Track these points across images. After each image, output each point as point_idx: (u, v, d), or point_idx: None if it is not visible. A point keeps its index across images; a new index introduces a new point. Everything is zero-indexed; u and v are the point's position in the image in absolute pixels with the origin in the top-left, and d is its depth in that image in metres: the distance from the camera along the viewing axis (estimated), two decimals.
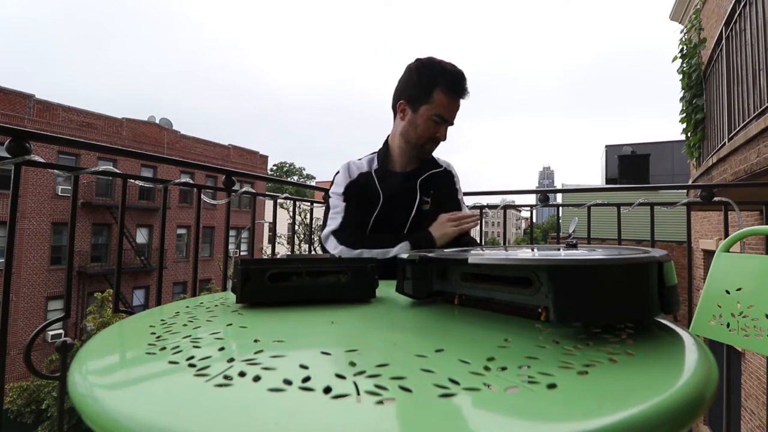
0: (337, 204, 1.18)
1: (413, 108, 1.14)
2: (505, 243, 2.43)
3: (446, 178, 1.28)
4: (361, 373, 0.30)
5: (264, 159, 22.13)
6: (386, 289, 0.73)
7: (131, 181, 1.30)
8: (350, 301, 0.62)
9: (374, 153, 1.26)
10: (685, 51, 4.54)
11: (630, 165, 12.74)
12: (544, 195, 1.93)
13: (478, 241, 1.24)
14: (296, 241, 11.88)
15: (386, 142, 1.25)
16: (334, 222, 1.15)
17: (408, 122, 1.15)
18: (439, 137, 1.14)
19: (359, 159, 1.28)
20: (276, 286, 0.59)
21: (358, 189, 1.17)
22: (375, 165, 1.23)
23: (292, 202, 2.10)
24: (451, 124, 1.15)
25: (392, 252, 1.06)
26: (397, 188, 1.18)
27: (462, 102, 1.14)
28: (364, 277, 0.63)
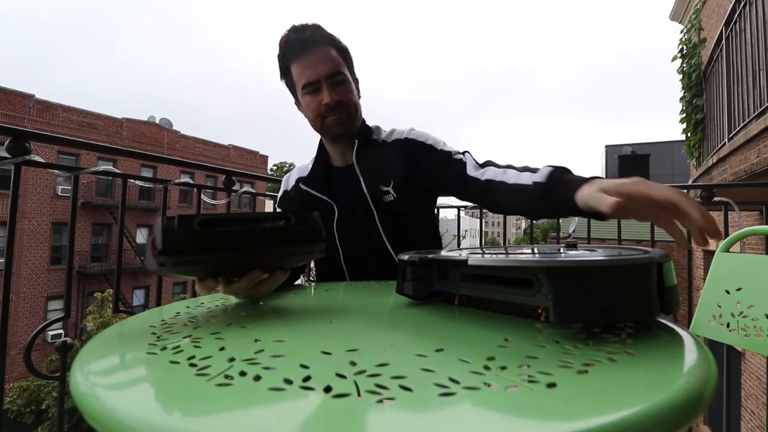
0: None
1: (295, 98, 0.99)
2: (505, 243, 2.43)
3: (405, 146, 0.96)
4: (362, 372, 0.30)
5: (264, 159, 22.15)
6: (386, 289, 0.74)
7: (131, 181, 1.31)
8: (298, 245, 0.53)
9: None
10: (685, 51, 4.54)
11: (630, 165, 12.74)
12: None
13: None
14: None
15: (320, 140, 1.04)
16: None
17: (304, 111, 0.98)
18: (327, 102, 0.90)
19: (311, 159, 1.06)
20: (207, 232, 0.47)
21: (295, 201, 1.00)
22: (307, 170, 1.02)
23: None
24: (327, 80, 0.90)
25: None
26: (347, 187, 0.96)
27: (327, 49, 0.91)
28: (309, 221, 0.54)
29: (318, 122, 0.95)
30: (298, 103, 0.99)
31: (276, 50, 0.95)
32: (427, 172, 0.95)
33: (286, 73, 0.96)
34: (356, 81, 1.00)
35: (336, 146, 1.00)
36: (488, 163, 0.87)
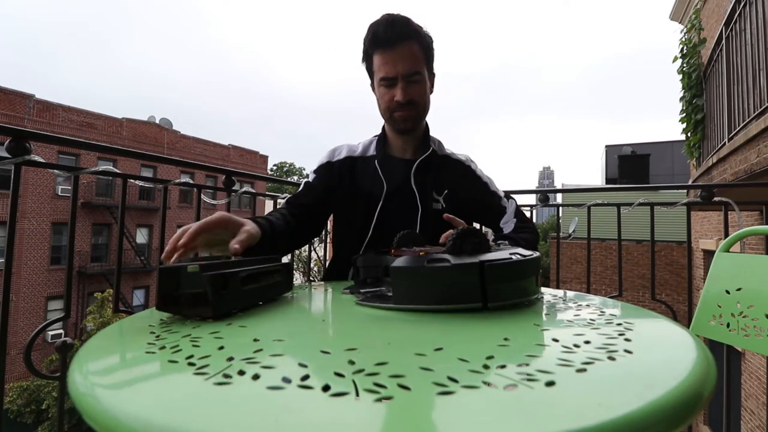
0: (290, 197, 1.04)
1: (372, 82, 1.03)
2: None
3: (463, 170, 1.08)
4: (360, 371, 0.30)
5: (264, 159, 22.15)
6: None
7: (131, 181, 1.30)
8: (278, 296, 0.65)
9: (375, 136, 1.10)
10: (685, 51, 4.54)
11: (630, 165, 12.74)
12: (544, 195, 1.93)
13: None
14: None
15: (383, 126, 1.10)
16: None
17: (377, 99, 1.02)
18: (398, 100, 0.95)
19: (359, 143, 1.11)
20: (246, 290, 0.54)
21: (335, 173, 1.03)
22: (372, 150, 1.06)
23: None
24: (404, 79, 0.94)
25: None
26: (401, 179, 1.02)
27: (411, 45, 0.94)
28: (288, 274, 0.67)
29: (387, 114, 1.00)
30: (373, 87, 1.03)
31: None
32: (473, 203, 1.07)
33: (368, 59, 0.99)
34: (433, 76, 1.04)
35: (398, 138, 1.05)
36: (518, 213, 1.07)
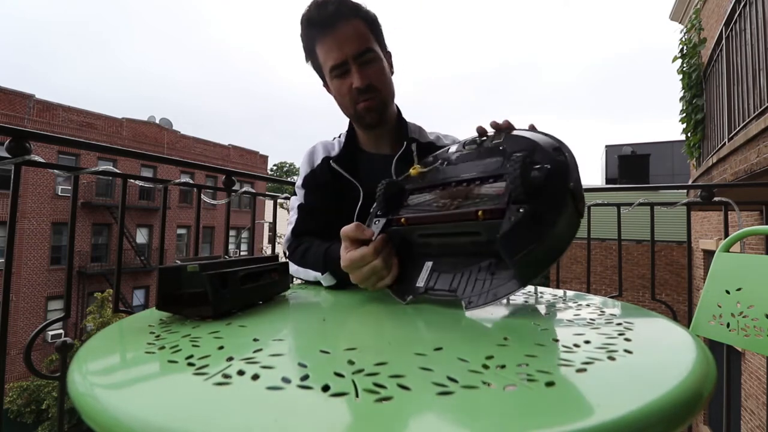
0: (294, 204, 0.96)
1: (323, 79, 0.92)
2: None
3: None
4: (360, 371, 0.30)
5: (264, 159, 22.16)
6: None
7: (131, 181, 1.30)
8: (276, 295, 0.65)
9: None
10: (685, 51, 4.55)
11: (630, 165, 12.75)
12: None
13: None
14: None
15: (350, 123, 0.98)
16: (289, 227, 0.94)
17: (335, 97, 0.91)
18: (357, 86, 0.83)
19: (335, 138, 1.01)
20: (245, 290, 0.55)
21: (321, 180, 0.93)
22: (333, 148, 0.97)
23: None
24: (356, 61, 0.83)
25: (321, 279, 0.77)
26: (378, 174, 0.85)
27: (354, 22, 0.82)
28: (285, 273, 0.67)
29: (350, 108, 0.89)
30: (326, 86, 0.92)
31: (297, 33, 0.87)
32: None
33: (311, 54, 0.88)
34: (388, 55, 0.93)
35: (368, 133, 0.95)
36: None
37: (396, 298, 0.58)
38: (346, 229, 0.61)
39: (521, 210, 0.46)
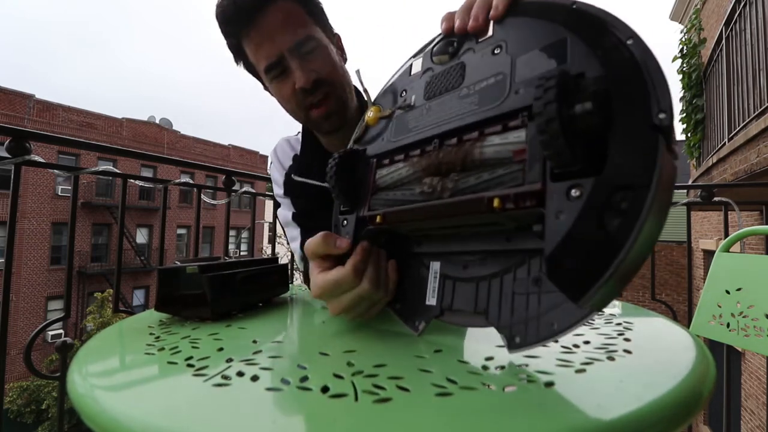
0: (285, 217, 0.82)
1: (262, 82, 0.74)
2: None
3: None
4: (359, 372, 0.30)
5: (264, 159, 22.15)
6: None
7: (131, 181, 1.30)
8: (275, 297, 0.64)
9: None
10: (685, 51, 4.55)
11: None
12: None
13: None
14: None
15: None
16: (294, 244, 0.80)
17: (279, 101, 0.74)
18: (301, 87, 0.66)
19: (298, 132, 0.87)
20: (244, 291, 0.54)
21: (298, 184, 0.78)
22: (294, 152, 0.84)
23: None
24: (294, 54, 0.65)
25: None
26: None
27: (283, 5, 0.64)
28: (285, 275, 0.65)
29: (301, 116, 0.72)
30: (267, 88, 0.75)
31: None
32: None
33: (240, 54, 0.70)
34: (335, 38, 0.75)
35: (330, 138, 0.79)
36: None
37: (405, 326, 0.41)
38: (311, 244, 0.43)
39: (577, 192, 0.26)
